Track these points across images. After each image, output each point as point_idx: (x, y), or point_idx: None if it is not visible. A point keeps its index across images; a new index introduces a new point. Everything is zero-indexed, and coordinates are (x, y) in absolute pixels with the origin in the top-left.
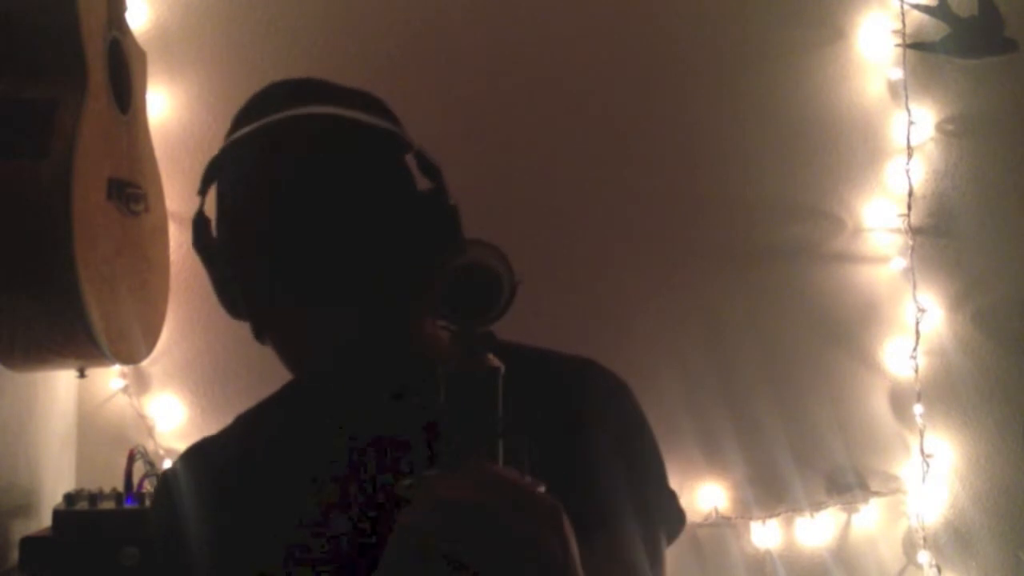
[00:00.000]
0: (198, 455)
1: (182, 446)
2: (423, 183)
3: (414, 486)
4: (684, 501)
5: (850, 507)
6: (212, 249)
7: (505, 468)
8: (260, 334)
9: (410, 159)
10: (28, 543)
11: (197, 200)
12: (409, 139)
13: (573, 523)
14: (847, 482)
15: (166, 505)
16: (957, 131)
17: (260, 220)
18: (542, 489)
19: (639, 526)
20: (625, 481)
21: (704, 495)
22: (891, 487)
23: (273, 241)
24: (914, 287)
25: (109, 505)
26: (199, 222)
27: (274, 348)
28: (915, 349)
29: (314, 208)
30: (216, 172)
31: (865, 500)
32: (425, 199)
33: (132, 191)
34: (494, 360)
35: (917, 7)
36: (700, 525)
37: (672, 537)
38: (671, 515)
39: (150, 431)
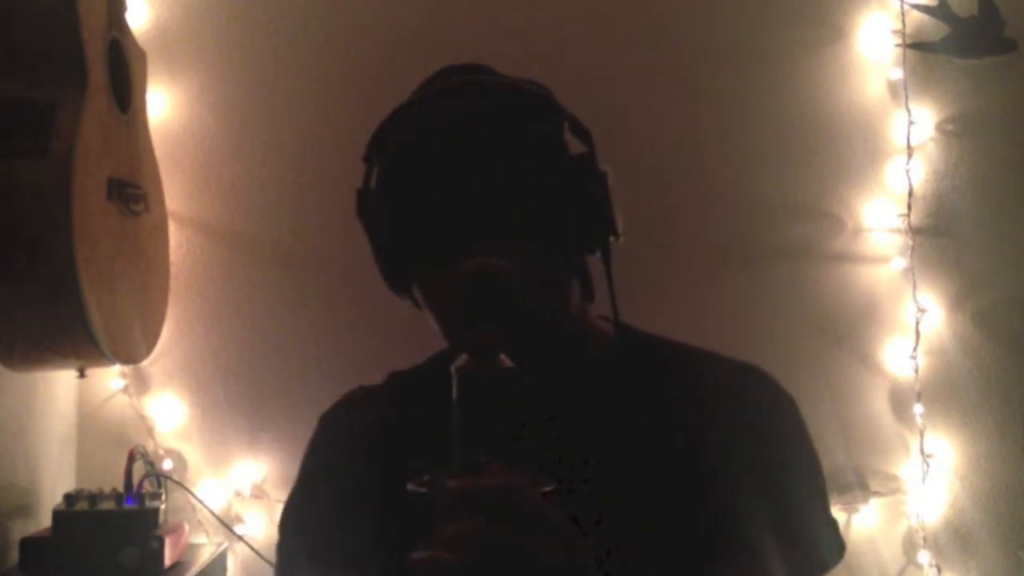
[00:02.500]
0: (354, 405)
1: (182, 446)
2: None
3: (428, 483)
4: None
5: (850, 507)
6: (375, 214)
7: (509, 474)
8: (419, 302)
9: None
10: (28, 543)
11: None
12: (563, 108)
13: (709, 538)
14: (847, 482)
15: (323, 445)
16: (957, 131)
17: (425, 174)
18: (550, 488)
19: (786, 555)
20: (776, 505)
21: None
22: (891, 487)
23: (436, 194)
24: (914, 287)
25: (109, 505)
26: (363, 191)
27: (433, 315)
28: (915, 349)
29: (475, 163)
30: (383, 137)
31: (865, 500)
32: (576, 162)
33: (132, 191)
34: (506, 361)
35: (917, 7)
36: None
37: (825, 571)
38: (829, 547)
39: (150, 431)
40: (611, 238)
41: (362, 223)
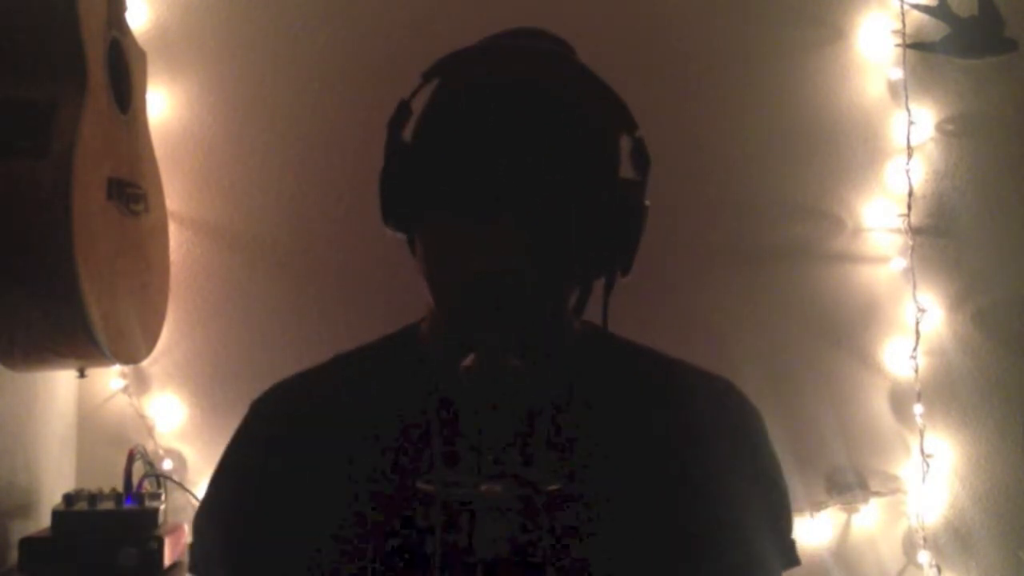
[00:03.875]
0: (290, 390)
1: (182, 446)
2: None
3: (432, 483)
4: None
5: (850, 507)
6: (402, 137)
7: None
8: (413, 244)
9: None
10: (27, 543)
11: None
12: (637, 127)
13: (683, 554)
14: (847, 482)
15: (251, 437)
16: (957, 131)
17: (476, 121)
18: (555, 487)
19: (755, 571)
20: (748, 525)
21: None
22: (891, 487)
23: (476, 147)
24: (914, 287)
25: (109, 505)
26: (406, 104)
27: (423, 264)
28: (915, 349)
29: (528, 136)
30: (455, 63)
31: (865, 500)
32: (624, 185)
33: (132, 191)
34: (514, 361)
35: (917, 7)
36: None
37: None
38: (788, 564)
39: (150, 431)
40: (619, 272)
41: (388, 134)
